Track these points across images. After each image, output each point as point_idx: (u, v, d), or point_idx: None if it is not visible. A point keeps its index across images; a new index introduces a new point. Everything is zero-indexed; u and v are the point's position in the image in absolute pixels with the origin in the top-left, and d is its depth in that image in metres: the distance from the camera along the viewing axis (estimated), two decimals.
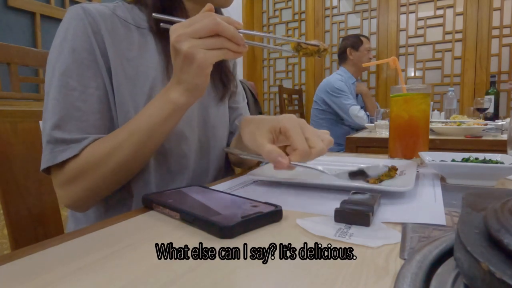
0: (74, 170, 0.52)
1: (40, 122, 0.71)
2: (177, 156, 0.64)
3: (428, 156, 0.61)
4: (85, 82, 0.55)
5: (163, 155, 0.62)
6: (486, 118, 1.95)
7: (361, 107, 2.38)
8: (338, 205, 0.36)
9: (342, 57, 2.42)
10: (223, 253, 0.28)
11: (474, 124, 1.41)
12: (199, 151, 0.69)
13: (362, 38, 2.38)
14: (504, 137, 1.32)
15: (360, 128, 2.16)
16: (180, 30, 0.45)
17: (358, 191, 0.41)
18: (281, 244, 0.30)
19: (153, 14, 0.50)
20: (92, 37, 0.57)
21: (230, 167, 0.81)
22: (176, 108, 0.51)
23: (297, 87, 3.15)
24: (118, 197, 0.60)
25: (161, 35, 0.64)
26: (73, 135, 0.53)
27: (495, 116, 2.07)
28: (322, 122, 2.37)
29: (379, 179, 0.51)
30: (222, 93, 0.76)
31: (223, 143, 0.76)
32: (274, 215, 0.36)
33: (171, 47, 0.47)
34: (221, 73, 0.76)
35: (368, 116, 2.20)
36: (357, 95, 2.43)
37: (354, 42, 2.37)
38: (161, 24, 0.51)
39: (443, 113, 2.10)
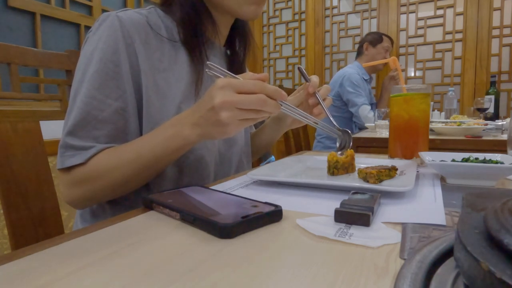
0: (79, 176, 0.54)
1: (43, 122, 0.71)
2: (198, 168, 0.65)
3: (428, 156, 0.61)
4: (105, 92, 0.56)
5: (185, 167, 0.63)
6: (486, 118, 1.95)
7: (371, 104, 2.34)
8: (338, 205, 0.36)
9: (359, 51, 2.39)
10: (223, 253, 0.28)
11: (474, 124, 1.41)
12: (219, 161, 0.71)
13: (384, 37, 2.34)
14: (504, 137, 1.31)
15: (363, 128, 2.14)
16: (227, 94, 0.45)
17: (358, 191, 0.41)
18: (281, 244, 0.30)
19: (208, 63, 0.51)
20: (124, 50, 0.57)
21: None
22: (186, 143, 0.52)
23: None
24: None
25: (193, 48, 0.65)
26: (83, 142, 0.54)
27: (495, 116, 2.07)
28: (336, 120, 2.28)
29: (379, 179, 0.52)
30: None
31: (242, 149, 0.77)
32: (274, 215, 0.36)
33: (210, 103, 0.46)
34: None
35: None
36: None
37: (373, 38, 2.34)
38: (206, 70, 0.52)
39: (443, 113, 2.10)
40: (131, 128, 0.59)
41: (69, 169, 0.54)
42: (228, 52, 0.78)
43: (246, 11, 0.65)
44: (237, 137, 0.76)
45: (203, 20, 0.66)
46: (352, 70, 2.27)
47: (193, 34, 0.65)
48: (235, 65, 0.77)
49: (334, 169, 0.58)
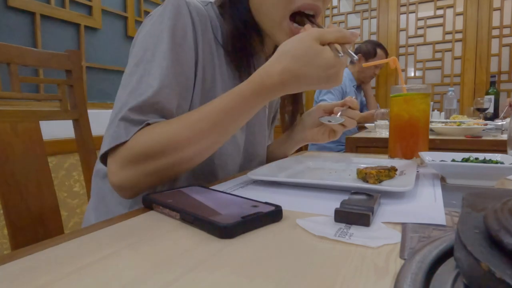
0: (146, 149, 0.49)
1: (43, 122, 0.71)
2: (223, 173, 0.65)
3: (428, 156, 0.61)
4: (175, 73, 0.55)
5: (211, 173, 0.63)
6: (486, 118, 1.95)
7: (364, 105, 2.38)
8: (338, 205, 0.36)
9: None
10: (223, 253, 0.28)
11: (474, 124, 1.41)
12: (243, 166, 0.71)
13: (379, 51, 2.31)
14: (504, 137, 1.31)
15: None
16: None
17: (358, 191, 0.41)
18: (281, 244, 0.30)
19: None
20: (191, 36, 0.57)
21: None
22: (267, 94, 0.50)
23: None
24: None
25: (240, 60, 0.64)
26: (148, 118, 0.51)
27: (495, 116, 2.07)
28: None
29: (379, 180, 0.51)
30: (273, 114, 0.86)
31: (260, 163, 0.78)
32: (274, 215, 0.36)
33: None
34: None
35: None
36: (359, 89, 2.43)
37: (368, 50, 2.31)
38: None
39: (443, 113, 2.10)
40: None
41: (132, 144, 0.49)
42: None
43: (282, 40, 0.63)
44: (259, 151, 0.76)
45: (252, 35, 0.65)
46: None
47: (242, 48, 0.64)
48: None
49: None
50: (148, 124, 0.50)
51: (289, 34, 0.60)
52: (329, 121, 0.69)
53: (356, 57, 0.50)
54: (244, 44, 0.64)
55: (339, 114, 0.70)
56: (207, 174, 0.63)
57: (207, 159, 0.58)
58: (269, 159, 0.85)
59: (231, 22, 0.63)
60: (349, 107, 0.71)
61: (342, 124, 0.71)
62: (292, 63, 0.48)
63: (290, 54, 0.48)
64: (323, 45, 0.48)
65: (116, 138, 0.49)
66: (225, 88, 0.62)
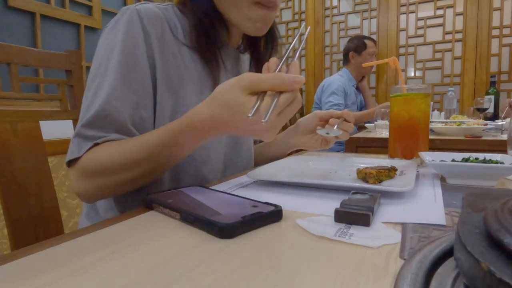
0: (94, 166, 0.52)
1: (43, 122, 0.71)
2: (208, 167, 0.65)
3: (428, 156, 0.61)
4: (126, 84, 0.55)
5: (195, 169, 0.63)
6: (486, 118, 1.95)
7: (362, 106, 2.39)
8: (338, 205, 0.36)
9: (345, 59, 2.41)
10: (223, 253, 0.28)
11: (474, 124, 1.41)
12: (223, 167, 0.71)
13: (367, 42, 2.33)
14: (504, 137, 1.31)
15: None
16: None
17: (358, 191, 0.41)
18: (281, 244, 0.30)
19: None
20: (143, 43, 0.58)
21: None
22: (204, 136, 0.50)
23: None
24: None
25: (208, 54, 0.64)
26: (100, 133, 0.53)
27: (494, 116, 2.07)
28: None
29: (379, 180, 0.51)
30: None
31: (249, 146, 0.78)
32: (274, 215, 0.36)
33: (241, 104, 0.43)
34: None
35: None
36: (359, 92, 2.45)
37: (357, 45, 2.33)
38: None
39: (443, 113, 2.10)
40: (145, 124, 0.58)
41: (85, 159, 0.52)
42: (242, 52, 0.77)
43: (249, 28, 0.64)
44: (244, 140, 0.76)
45: (216, 26, 0.65)
46: (336, 77, 2.31)
47: (208, 41, 0.64)
48: (260, 66, 0.76)
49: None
50: (97, 144, 0.52)
51: (257, 19, 0.61)
52: (327, 133, 0.68)
53: (265, 121, 0.39)
54: (208, 37, 0.63)
55: (336, 126, 0.69)
56: (191, 171, 0.63)
57: (189, 156, 0.60)
58: (259, 160, 0.85)
59: (194, 16, 0.63)
60: (345, 120, 0.71)
61: (336, 136, 0.72)
62: (220, 111, 0.45)
63: (219, 101, 0.45)
64: (255, 93, 0.42)
65: (70, 154, 0.53)
66: (196, 86, 0.62)
